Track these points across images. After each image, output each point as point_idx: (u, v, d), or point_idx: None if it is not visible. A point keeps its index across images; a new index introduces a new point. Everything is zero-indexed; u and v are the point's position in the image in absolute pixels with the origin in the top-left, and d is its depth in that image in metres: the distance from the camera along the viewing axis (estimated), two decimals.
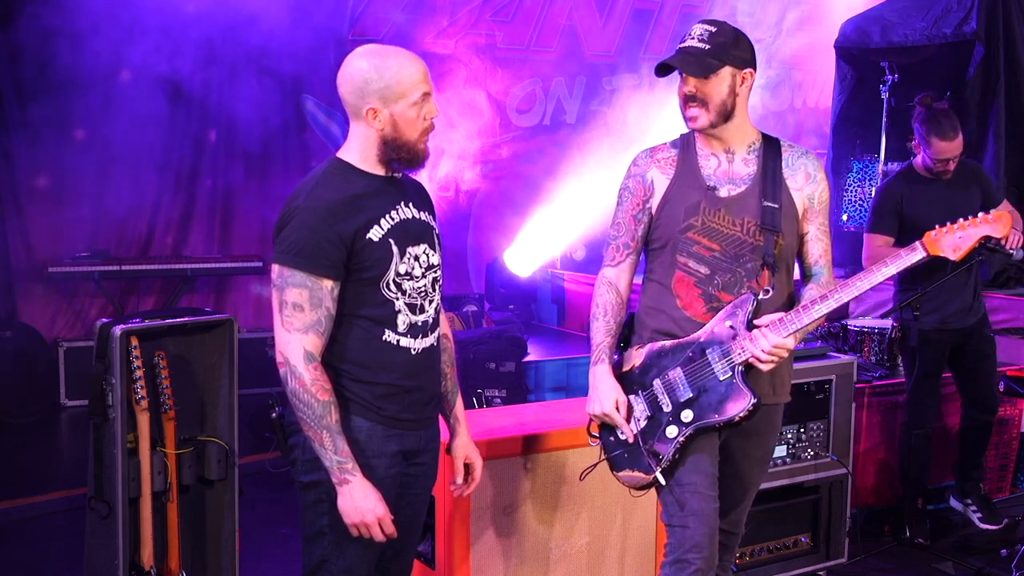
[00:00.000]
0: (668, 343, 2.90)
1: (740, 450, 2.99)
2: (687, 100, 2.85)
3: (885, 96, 7.03)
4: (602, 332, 2.94)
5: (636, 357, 2.95)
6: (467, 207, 8.97)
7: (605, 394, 2.88)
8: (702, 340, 2.85)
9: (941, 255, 2.75)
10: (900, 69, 6.97)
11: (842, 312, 6.02)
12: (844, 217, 7.69)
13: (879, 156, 7.19)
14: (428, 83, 2.55)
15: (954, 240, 2.74)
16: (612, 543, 3.65)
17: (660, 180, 2.94)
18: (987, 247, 2.84)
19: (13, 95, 7.06)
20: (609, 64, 9.53)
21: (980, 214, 2.76)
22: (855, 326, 5.15)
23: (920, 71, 7.13)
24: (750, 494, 3.09)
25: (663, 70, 2.86)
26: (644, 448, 2.87)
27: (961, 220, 2.75)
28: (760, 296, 2.83)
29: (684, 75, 2.83)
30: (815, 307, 2.76)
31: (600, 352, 2.92)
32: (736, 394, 2.79)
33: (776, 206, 2.87)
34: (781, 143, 2.97)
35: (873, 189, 7.34)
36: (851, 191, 7.70)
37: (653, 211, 2.94)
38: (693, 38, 2.84)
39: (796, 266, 3.02)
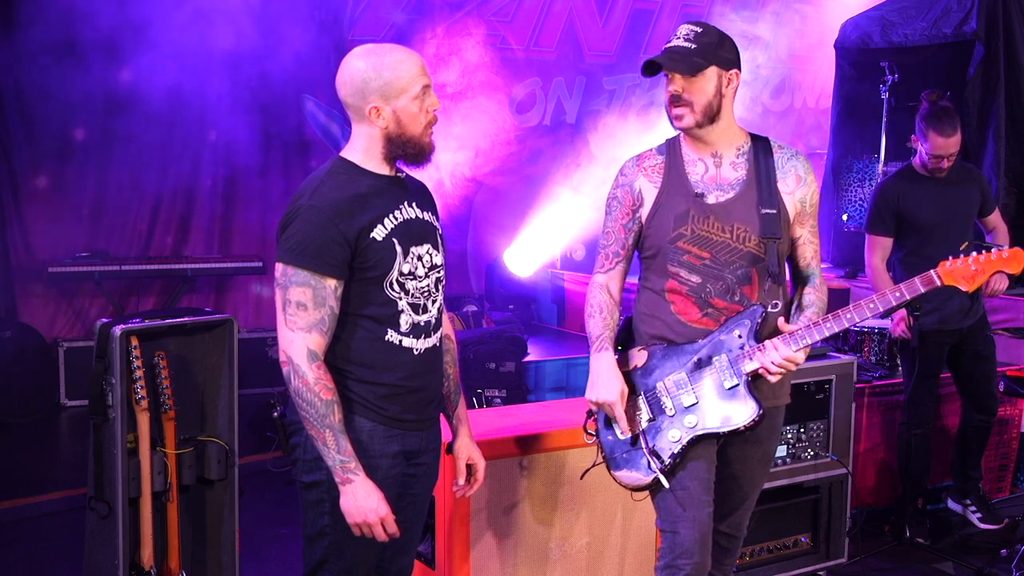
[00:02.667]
0: (672, 346, 2.90)
1: (740, 453, 2.98)
2: (673, 100, 2.84)
3: (885, 96, 7.03)
4: (600, 326, 2.93)
5: (638, 358, 2.94)
6: (467, 207, 8.97)
7: (609, 382, 2.85)
8: (709, 347, 2.84)
9: (955, 286, 2.79)
10: (900, 69, 6.97)
11: None
12: (844, 217, 7.69)
13: (879, 156, 7.19)
14: (427, 76, 2.55)
15: (969, 273, 2.78)
16: (612, 543, 3.65)
17: (648, 189, 2.92)
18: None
19: (13, 95, 7.06)
20: (609, 64, 9.53)
21: (995, 250, 2.79)
22: (855, 326, 5.15)
23: (920, 71, 7.13)
24: (751, 497, 3.08)
25: (650, 68, 2.84)
26: (645, 449, 2.87)
27: (975, 254, 2.78)
28: (769, 309, 2.84)
29: (670, 74, 2.82)
30: (826, 324, 2.77)
31: (602, 341, 2.91)
32: (742, 403, 2.79)
33: (774, 212, 2.86)
34: (771, 143, 2.95)
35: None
36: (851, 191, 7.70)
37: (643, 220, 2.93)
38: (679, 38, 2.84)
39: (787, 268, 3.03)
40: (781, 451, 4.12)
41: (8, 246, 7.16)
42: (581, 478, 3.26)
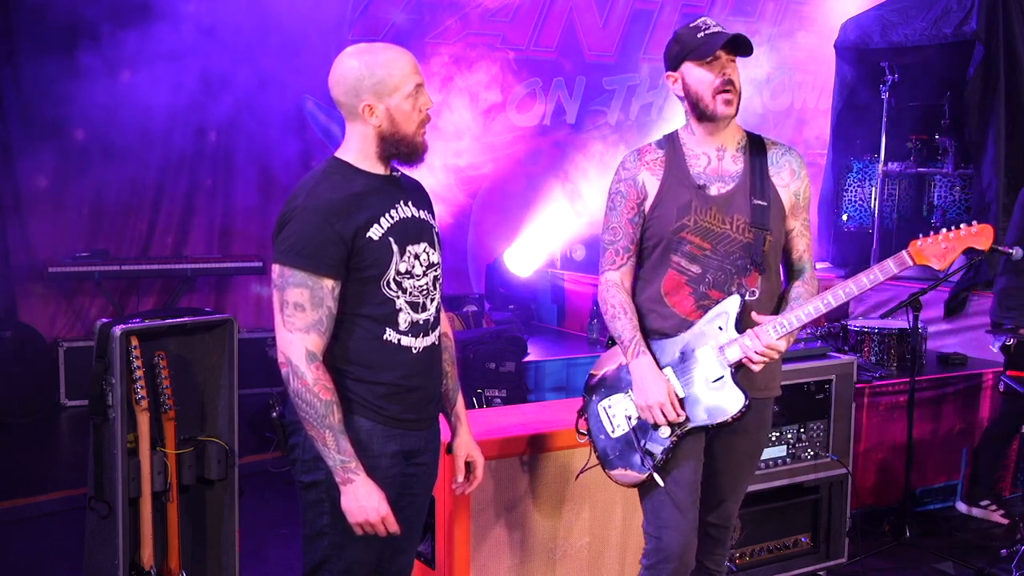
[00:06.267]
0: (658, 342, 2.91)
1: (727, 444, 2.99)
2: (726, 85, 2.82)
3: (885, 96, 7.03)
4: (630, 328, 2.90)
5: None
6: (467, 207, 8.97)
7: (656, 384, 2.83)
8: (692, 340, 2.86)
9: (927, 264, 2.79)
10: (900, 69, 6.98)
11: (842, 312, 6.03)
12: (844, 217, 7.69)
13: (879, 156, 7.20)
14: (419, 75, 2.55)
15: (939, 250, 2.77)
16: (612, 542, 3.65)
17: (651, 181, 2.93)
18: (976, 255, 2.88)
19: (13, 94, 7.06)
20: (609, 64, 9.53)
21: (963, 225, 2.78)
22: (855, 326, 5.15)
23: (920, 71, 7.14)
24: (740, 488, 3.09)
25: (735, 46, 2.79)
26: (638, 448, 2.88)
27: (945, 231, 2.78)
28: (747, 297, 2.85)
29: (726, 59, 2.81)
30: (804, 310, 2.78)
31: (636, 345, 2.88)
32: (727, 394, 2.81)
33: (765, 204, 2.88)
34: (765, 140, 2.98)
35: (873, 189, 7.36)
36: (851, 191, 7.71)
37: (646, 212, 2.94)
38: (718, 25, 2.84)
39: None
40: (781, 451, 4.13)
41: (8, 246, 7.16)
42: (576, 479, 3.27)
